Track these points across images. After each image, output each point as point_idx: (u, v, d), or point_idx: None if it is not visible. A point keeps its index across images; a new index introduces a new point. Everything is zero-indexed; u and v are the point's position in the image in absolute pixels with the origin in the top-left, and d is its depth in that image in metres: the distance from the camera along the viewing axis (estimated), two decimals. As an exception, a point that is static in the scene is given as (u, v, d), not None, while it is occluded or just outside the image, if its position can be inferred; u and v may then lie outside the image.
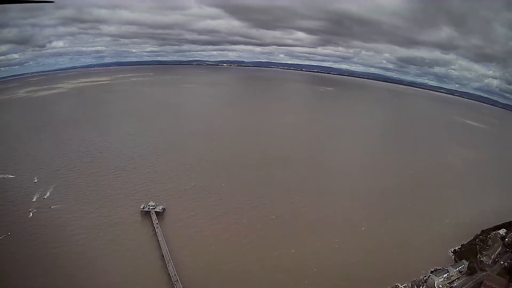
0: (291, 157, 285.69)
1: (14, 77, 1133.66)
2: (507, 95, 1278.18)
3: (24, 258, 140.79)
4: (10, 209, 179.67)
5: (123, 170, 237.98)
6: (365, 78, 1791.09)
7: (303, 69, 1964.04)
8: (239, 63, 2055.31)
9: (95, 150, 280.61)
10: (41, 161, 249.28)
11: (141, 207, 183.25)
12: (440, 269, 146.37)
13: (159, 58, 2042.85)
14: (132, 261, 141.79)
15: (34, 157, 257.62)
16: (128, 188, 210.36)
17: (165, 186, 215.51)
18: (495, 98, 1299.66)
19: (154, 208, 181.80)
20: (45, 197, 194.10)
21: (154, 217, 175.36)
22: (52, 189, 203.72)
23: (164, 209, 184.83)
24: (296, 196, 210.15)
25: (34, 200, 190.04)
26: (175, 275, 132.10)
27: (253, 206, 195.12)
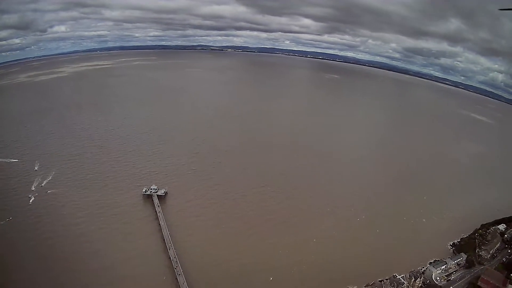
0: (294, 145, 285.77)
1: (15, 62, 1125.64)
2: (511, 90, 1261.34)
3: (25, 242, 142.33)
4: (11, 194, 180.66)
5: (125, 155, 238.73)
6: (371, 66, 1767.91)
7: (308, 56, 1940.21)
8: (244, 49, 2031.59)
9: (97, 134, 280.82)
10: (42, 146, 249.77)
11: (143, 190, 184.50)
12: (438, 261, 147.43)
13: (163, 43, 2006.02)
14: (133, 244, 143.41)
15: (36, 142, 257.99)
16: (130, 172, 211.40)
17: (167, 170, 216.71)
18: (499, 92, 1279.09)
19: (156, 192, 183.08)
20: (46, 181, 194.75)
21: (156, 200, 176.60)
22: (54, 173, 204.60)
23: (166, 193, 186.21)
24: (299, 185, 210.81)
25: (35, 184, 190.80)
26: (175, 258, 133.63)
27: (255, 193, 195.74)
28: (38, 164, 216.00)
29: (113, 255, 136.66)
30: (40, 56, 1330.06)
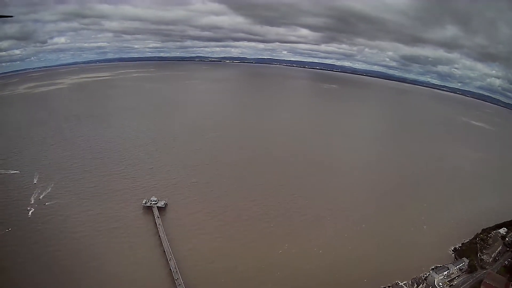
0: (295, 155, 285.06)
1: (15, 73, 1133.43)
2: (509, 94, 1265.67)
3: (24, 254, 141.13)
4: (10, 205, 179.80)
5: (125, 166, 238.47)
6: (368, 75, 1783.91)
7: (306, 66, 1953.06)
8: (242, 60, 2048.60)
9: (97, 146, 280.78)
10: (42, 157, 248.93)
11: (143, 202, 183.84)
12: (440, 266, 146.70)
13: (162, 54, 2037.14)
14: (133, 256, 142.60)
15: (35, 153, 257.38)
16: (130, 184, 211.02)
17: (167, 182, 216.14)
18: (497, 97, 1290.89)
19: (156, 204, 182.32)
20: (45, 193, 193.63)
21: (156, 212, 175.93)
22: (53, 185, 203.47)
23: (166, 205, 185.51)
24: (299, 194, 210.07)
25: (34, 196, 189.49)
26: (176, 269, 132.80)
27: (254, 203, 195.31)
28: (37, 175, 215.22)
29: (113, 266, 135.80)
30: (40, 67, 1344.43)
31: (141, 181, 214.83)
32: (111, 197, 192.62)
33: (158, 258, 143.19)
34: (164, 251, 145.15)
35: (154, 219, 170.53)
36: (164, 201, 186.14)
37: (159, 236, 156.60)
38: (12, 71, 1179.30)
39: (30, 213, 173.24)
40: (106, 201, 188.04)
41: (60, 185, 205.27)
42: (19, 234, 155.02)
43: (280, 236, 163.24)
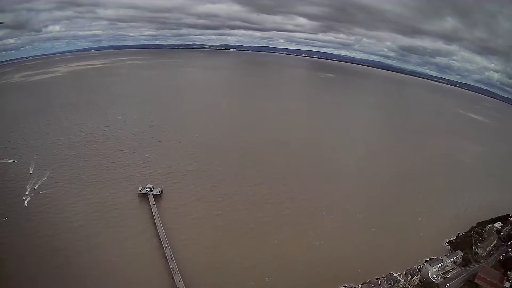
0: (291, 144, 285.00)
1: (10, 62, 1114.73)
2: (507, 88, 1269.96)
3: (21, 242, 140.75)
4: (7, 194, 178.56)
5: (121, 154, 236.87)
6: (365, 65, 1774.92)
7: (303, 55, 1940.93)
8: (238, 48, 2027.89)
9: (92, 134, 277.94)
10: (38, 146, 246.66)
11: (139, 189, 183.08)
12: (434, 258, 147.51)
13: (157, 42, 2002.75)
14: (129, 244, 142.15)
15: (31, 142, 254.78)
16: (126, 171, 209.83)
17: (163, 170, 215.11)
18: (495, 90, 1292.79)
19: (151, 191, 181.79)
20: (41, 182, 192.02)
21: (151, 199, 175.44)
22: (49, 173, 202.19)
23: (161, 192, 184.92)
24: (295, 185, 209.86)
25: (30, 185, 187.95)
26: (171, 256, 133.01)
27: (250, 192, 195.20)
28: (33, 164, 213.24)
29: (109, 254, 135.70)
30: (34, 56, 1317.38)
31: (138, 169, 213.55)
32: (107, 185, 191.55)
33: (154, 245, 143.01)
34: (160, 239, 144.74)
35: (150, 207, 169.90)
36: (159, 189, 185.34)
37: (155, 223, 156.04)
38: (7, 60, 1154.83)
39: (26, 202, 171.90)
40: (102, 189, 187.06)
41: (56, 173, 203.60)
42: (16, 223, 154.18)
43: (276, 226, 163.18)
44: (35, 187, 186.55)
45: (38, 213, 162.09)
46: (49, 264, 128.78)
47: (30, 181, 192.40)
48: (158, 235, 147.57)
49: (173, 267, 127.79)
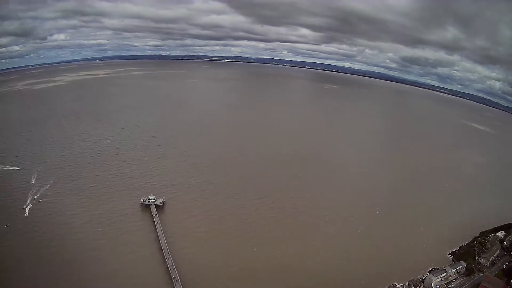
0: (294, 155, 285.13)
1: (14, 69, 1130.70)
2: (509, 97, 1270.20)
3: (22, 250, 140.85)
4: (8, 202, 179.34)
5: (124, 164, 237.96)
6: (368, 76, 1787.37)
7: (306, 66, 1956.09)
8: (242, 59, 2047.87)
9: (96, 144, 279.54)
10: (41, 155, 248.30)
11: (141, 200, 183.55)
12: (438, 269, 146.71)
13: (162, 53, 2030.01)
14: (131, 254, 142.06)
15: (34, 151, 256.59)
16: (129, 182, 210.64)
17: (166, 180, 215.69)
18: (497, 100, 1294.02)
19: (154, 202, 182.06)
20: (43, 191, 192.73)
21: (153, 210, 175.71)
22: (52, 182, 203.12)
23: (164, 203, 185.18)
24: (297, 195, 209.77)
25: (31, 194, 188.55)
26: (173, 267, 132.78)
27: (254, 204, 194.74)
28: (36, 172, 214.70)
29: (111, 264, 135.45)
30: (39, 64, 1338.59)
31: (141, 180, 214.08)
32: (110, 196, 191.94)
33: (155, 256, 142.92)
34: (162, 249, 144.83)
35: (152, 217, 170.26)
36: (162, 199, 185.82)
37: (157, 234, 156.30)
38: (11, 68, 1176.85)
39: (27, 210, 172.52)
40: (105, 199, 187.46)
41: (59, 183, 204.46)
42: (17, 231, 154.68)
43: (278, 236, 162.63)
44: (37, 196, 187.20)
45: (39, 223, 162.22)
46: (50, 274, 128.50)
47: (32, 190, 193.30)
48: (160, 246, 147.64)
49: (175, 277, 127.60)
